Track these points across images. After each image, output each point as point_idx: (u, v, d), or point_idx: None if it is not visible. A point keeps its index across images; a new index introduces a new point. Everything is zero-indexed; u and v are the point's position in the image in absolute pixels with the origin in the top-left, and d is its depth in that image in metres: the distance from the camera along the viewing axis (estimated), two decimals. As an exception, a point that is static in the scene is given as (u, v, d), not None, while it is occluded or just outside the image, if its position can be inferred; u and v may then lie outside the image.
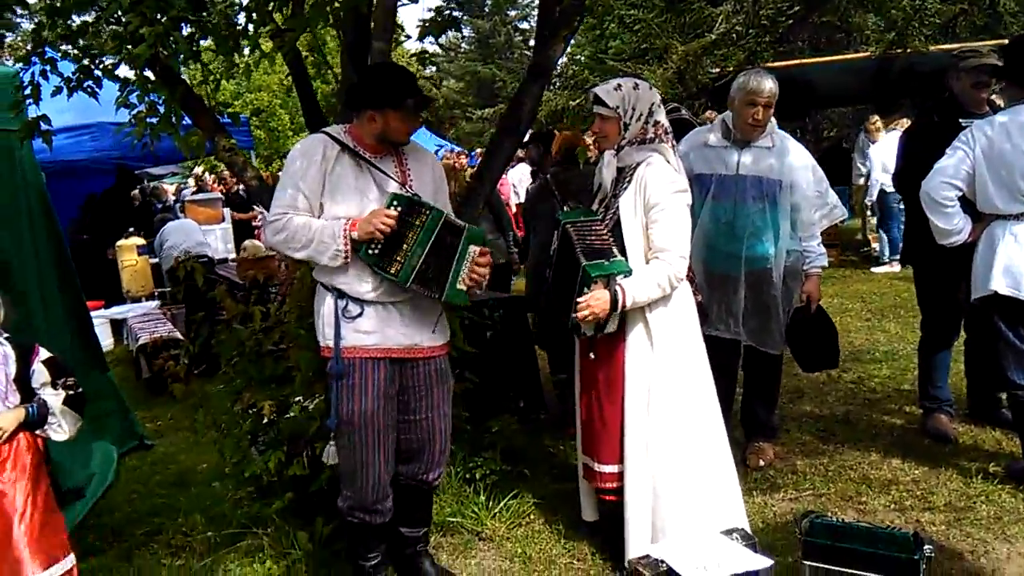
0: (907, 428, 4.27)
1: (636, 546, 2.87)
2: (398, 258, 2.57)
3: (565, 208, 3.24)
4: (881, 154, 8.62)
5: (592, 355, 2.96)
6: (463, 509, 3.44)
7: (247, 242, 7.00)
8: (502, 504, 3.47)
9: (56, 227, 4.72)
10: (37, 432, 2.76)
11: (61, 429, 2.80)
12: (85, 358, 4.81)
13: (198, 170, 10.49)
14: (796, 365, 4.03)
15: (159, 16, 2.60)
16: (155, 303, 7.83)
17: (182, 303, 7.37)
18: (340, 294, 2.65)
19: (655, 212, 2.83)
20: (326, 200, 2.64)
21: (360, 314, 2.64)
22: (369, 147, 2.71)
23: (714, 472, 2.94)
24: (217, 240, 8.89)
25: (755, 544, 2.50)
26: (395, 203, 2.60)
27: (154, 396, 6.02)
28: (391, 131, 2.68)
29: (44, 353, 2.79)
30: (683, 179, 2.93)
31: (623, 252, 2.85)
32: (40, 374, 2.75)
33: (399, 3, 3.08)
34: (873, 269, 8.81)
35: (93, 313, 6.68)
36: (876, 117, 9.17)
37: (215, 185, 11.08)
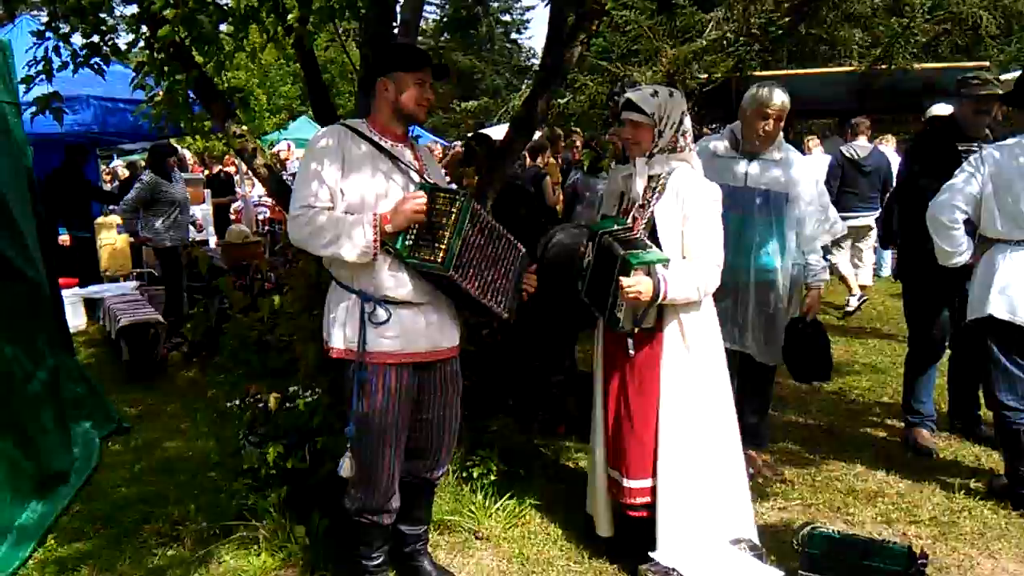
0: (889, 440, 4.38)
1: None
2: (440, 246, 2.46)
3: (598, 219, 3.18)
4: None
5: (631, 351, 2.89)
6: (460, 508, 3.44)
7: (232, 227, 6.90)
8: (499, 504, 3.48)
9: (38, 204, 4.57)
10: None
11: None
12: (60, 339, 4.71)
13: (185, 153, 10.25)
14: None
15: (183, -2, 2.54)
16: (133, 283, 7.66)
17: (161, 284, 7.25)
18: (365, 297, 2.57)
19: (693, 222, 2.83)
20: (347, 186, 2.55)
21: (386, 320, 2.57)
22: (388, 133, 2.67)
23: (733, 483, 2.96)
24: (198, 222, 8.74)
25: (762, 555, 2.54)
26: (423, 191, 2.54)
27: (133, 380, 5.90)
28: (404, 100, 2.60)
29: None
30: (717, 189, 2.93)
31: None
32: None
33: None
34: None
35: (67, 291, 6.55)
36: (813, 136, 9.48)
37: (196, 166, 10.90)
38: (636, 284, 2.67)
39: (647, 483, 2.91)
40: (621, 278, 2.69)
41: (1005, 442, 3.55)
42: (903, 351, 4.48)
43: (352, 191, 2.56)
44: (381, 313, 2.57)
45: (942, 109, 5.94)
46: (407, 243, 2.50)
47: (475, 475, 3.55)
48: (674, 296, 2.75)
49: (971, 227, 3.52)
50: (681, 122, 2.90)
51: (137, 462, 4.35)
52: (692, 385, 2.87)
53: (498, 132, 8.19)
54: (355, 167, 2.57)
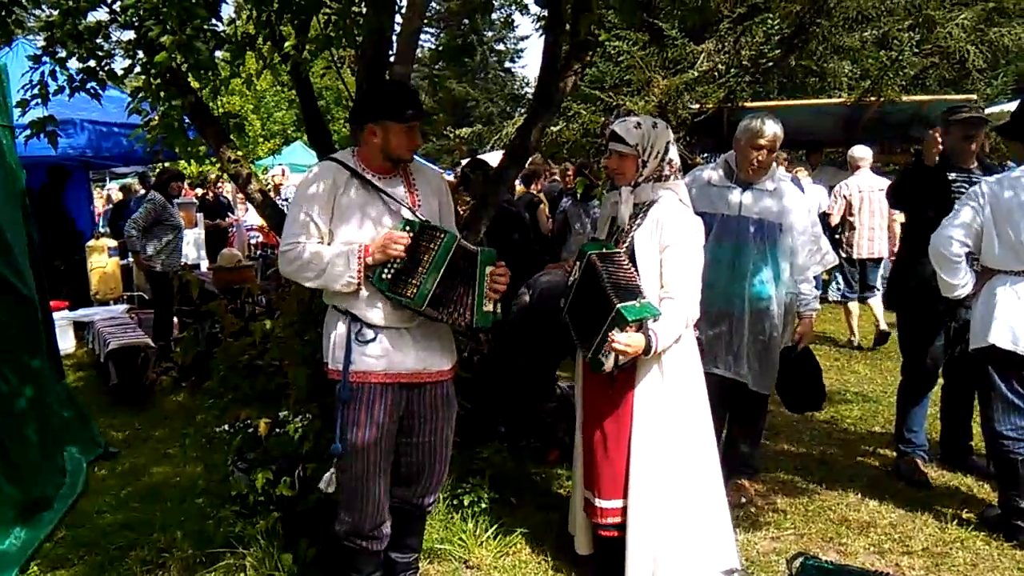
0: (882, 470, 4.36)
1: None
2: (413, 281, 2.55)
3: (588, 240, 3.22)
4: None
5: (611, 389, 2.94)
6: (450, 536, 3.40)
7: (224, 251, 6.88)
8: (489, 532, 3.44)
9: (31, 226, 4.56)
10: None
11: None
12: (52, 364, 4.67)
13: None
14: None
15: (180, 25, 2.56)
16: (123, 307, 7.62)
17: (151, 307, 7.20)
18: (353, 318, 2.63)
19: (670, 252, 2.86)
20: (336, 226, 2.63)
21: (373, 339, 2.62)
22: (377, 168, 2.69)
23: (712, 510, 2.96)
24: (190, 246, 8.70)
25: (755, 585, 2.52)
26: (407, 228, 2.60)
27: (120, 404, 5.84)
28: (391, 146, 2.64)
29: None
30: (699, 220, 2.98)
31: None
32: None
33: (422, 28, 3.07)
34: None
35: (56, 314, 6.49)
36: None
37: (188, 190, 10.91)
38: (628, 341, 2.68)
39: (618, 503, 2.94)
40: (614, 333, 2.69)
41: (1001, 472, 3.54)
42: (894, 380, 4.48)
43: (342, 230, 2.63)
44: (367, 332, 2.63)
45: (862, 151, 7.23)
46: (386, 277, 2.57)
47: (466, 503, 3.51)
48: (665, 345, 2.79)
49: (973, 257, 3.55)
50: (666, 151, 2.94)
51: (123, 488, 4.29)
52: (666, 409, 2.88)
53: (491, 159, 8.22)
54: (345, 217, 2.63)
